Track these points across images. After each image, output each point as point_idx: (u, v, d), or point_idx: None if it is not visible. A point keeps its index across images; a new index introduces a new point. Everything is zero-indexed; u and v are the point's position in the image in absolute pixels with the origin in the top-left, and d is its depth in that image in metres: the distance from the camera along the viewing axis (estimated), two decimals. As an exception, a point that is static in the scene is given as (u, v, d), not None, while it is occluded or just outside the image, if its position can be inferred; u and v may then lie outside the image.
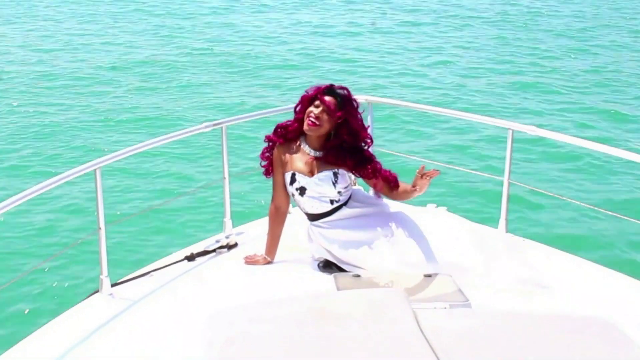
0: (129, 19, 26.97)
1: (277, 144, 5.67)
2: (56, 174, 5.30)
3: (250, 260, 5.79)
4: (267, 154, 5.73)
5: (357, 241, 5.53)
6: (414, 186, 5.43)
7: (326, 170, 5.55)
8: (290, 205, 5.84)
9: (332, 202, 5.59)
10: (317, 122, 5.46)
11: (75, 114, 16.40)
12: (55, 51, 22.22)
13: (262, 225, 6.08)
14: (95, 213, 5.44)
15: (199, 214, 10.78)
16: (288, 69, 20.52)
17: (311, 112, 5.47)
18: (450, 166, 7.32)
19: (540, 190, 7.63)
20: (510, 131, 6.25)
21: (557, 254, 6.09)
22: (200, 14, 28.53)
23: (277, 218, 5.76)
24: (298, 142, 5.64)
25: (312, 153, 5.59)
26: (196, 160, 13.19)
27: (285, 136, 5.65)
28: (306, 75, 19.52)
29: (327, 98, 5.47)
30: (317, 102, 5.48)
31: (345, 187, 5.61)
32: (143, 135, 13.71)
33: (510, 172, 6.33)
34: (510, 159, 6.31)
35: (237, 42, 23.83)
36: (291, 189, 5.63)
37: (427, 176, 5.34)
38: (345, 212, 5.62)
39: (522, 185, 6.87)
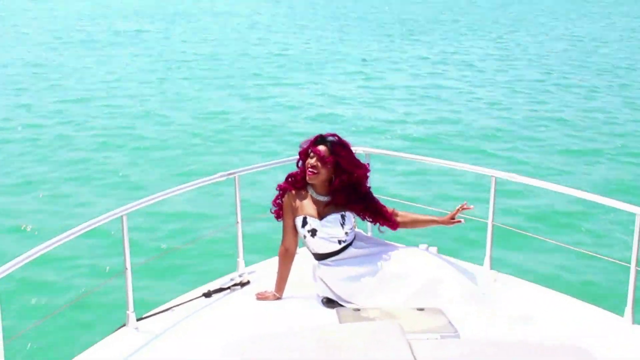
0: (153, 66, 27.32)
1: (288, 191, 5.72)
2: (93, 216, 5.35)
3: (261, 296, 5.80)
4: (278, 201, 5.79)
5: (359, 280, 5.57)
6: (452, 218, 5.74)
7: (334, 213, 5.63)
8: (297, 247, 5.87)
9: (340, 242, 5.64)
10: (315, 171, 5.56)
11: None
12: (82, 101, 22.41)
13: (272, 265, 6.09)
14: (122, 254, 5.47)
15: (215, 255, 10.76)
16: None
17: (309, 163, 5.56)
18: (440, 210, 7.33)
19: (522, 232, 7.63)
20: (493, 178, 6.28)
21: (537, 289, 6.08)
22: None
23: (286, 258, 5.78)
24: (306, 190, 5.70)
25: (320, 198, 5.66)
26: (212, 206, 13.21)
27: (295, 184, 5.71)
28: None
29: (319, 148, 5.57)
30: (311, 154, 5.56)
31: (351, 228, 5.69)
32: (165, 184, 13.81)
33: (493, 214, 6.35)
34: (494, 203, 6.34)
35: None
36: (303, 231, 5.66)
37: (465, 209, 5.70)
38: (351, 251, 5.67)
39: (505, 227, 6.88)
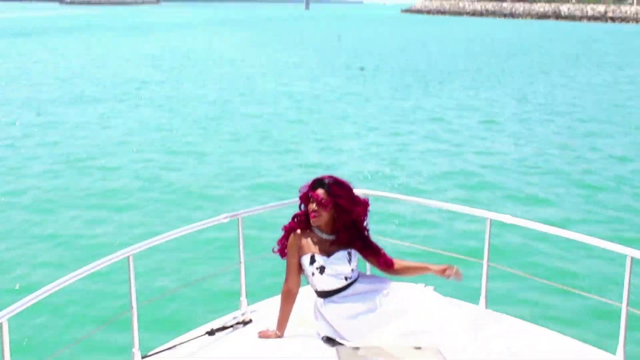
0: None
1: (294, 231, 5.75)
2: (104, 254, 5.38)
3: (263, 335, 5.80)
4: (283, 241, 5.81)
5: (361, 317, 5.58)
6: (443, 271, 5.81)
7: (341, 250, 5.67)
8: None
9: (346, 278, 5.66)
10: (316, 214, 5.60)
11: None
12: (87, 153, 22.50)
13: (274, 304, 6.10)
14: (128, 294, 5.47)
15: (218, 293, 10.80)
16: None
17: (310, 207, 5.61)
18: (437, 250, 7.34)
19: (516, 271, 7.64)
20: (488, 220, 6.31)
21: (531, 328, 6.08)
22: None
23: (289, 298, 5.79)
24: (312, 229, 5.74)
25: (325, 237, 5.70)
26: (216, 246, 13.23)
27: (300, 224, 5.74)
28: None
29: (317, 192, 5.62)
30: (311, 198, 5.61)
31: (356, 265, 5.71)
32: (170, 224, 13.87)
33: (489, 255, 6.37)
34: (489, 243, 6.35)
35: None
36: (311, 269, 5.67)
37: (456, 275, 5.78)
38: (357, 287, 5.69)
39: (499, 267, 6.89)
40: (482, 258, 6.40)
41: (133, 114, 29.22)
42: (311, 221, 5.66)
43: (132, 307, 5.47)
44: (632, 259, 5.37)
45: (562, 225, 13.60)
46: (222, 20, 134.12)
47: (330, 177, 5.75)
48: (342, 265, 5.64)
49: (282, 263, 5.86)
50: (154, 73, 44.24)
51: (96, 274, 5.59)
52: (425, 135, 25.60)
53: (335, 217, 5.66)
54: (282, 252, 5.84)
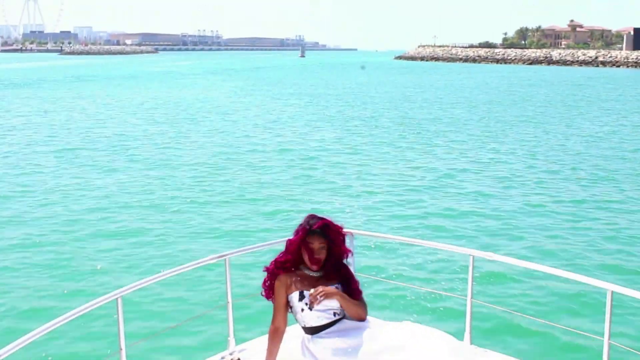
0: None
1: (278, 277, 5.77)
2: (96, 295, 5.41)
3: (249, 374, 5.80)
4: (267, 282, 5.84)
5: (349, 353, 5.57)
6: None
7: (329, 285, 5.65)
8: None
9: (334, 314, 5.67)
10: (315, 262, 5.65)
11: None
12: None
13: (261, 343, 6.12)
14: (117, 335, 5.50)
15: (206, 333, 10.82)
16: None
17: (305, 257, 5.66)
18: (422, 288, 7.40)
19: (499, 307, 7.68)
20: (471, 257, 6.37)
21: None
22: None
23: (276, 337, 5.79)
24: (298, 267, 5.75)
25: (312, 274, 5.71)
26: (203, 287, 13.24)
27: (284, 265, 5.77)
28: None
29: (314, 242, 5.64)
30: (306, 245, 5.65)
31: None
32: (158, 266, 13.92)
33: (472, 291, 6.42)
34: (472, 280, 6.41)
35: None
36: (300, 305, 5.67)
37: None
38: (344, 324, 5.69)
39: (483, 303, 6.94)
40: (465, 295, 6.45)
41: (124, 163, 29.23)
42: (308, 265, 5.70)
43: (120, 349, 5.49)
44: (613, 293, 5.43)
45: (543, 261, 13.68)
46: (219, 70, 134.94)
47: (324, 224, 5.77)
48: (330, 300, 5.67)
49: (269, 302, 5.88)
50: (147, 125, 44.20)
51: (85, 316, 5.63)
52: (426, 192, 24.05)
53: (327, 258, 5.71)
54: (268, 295, 5.86)
